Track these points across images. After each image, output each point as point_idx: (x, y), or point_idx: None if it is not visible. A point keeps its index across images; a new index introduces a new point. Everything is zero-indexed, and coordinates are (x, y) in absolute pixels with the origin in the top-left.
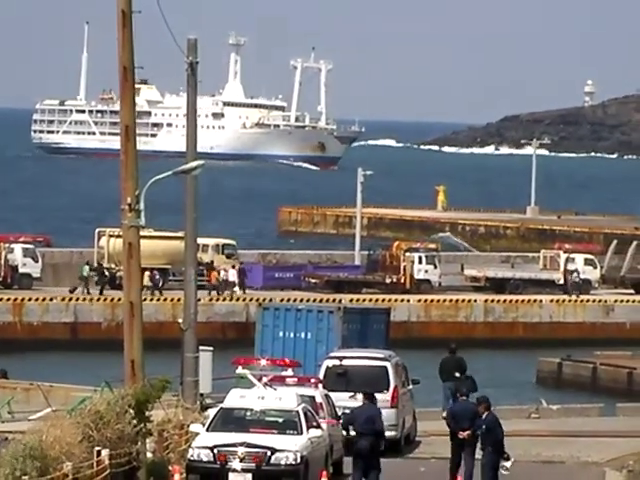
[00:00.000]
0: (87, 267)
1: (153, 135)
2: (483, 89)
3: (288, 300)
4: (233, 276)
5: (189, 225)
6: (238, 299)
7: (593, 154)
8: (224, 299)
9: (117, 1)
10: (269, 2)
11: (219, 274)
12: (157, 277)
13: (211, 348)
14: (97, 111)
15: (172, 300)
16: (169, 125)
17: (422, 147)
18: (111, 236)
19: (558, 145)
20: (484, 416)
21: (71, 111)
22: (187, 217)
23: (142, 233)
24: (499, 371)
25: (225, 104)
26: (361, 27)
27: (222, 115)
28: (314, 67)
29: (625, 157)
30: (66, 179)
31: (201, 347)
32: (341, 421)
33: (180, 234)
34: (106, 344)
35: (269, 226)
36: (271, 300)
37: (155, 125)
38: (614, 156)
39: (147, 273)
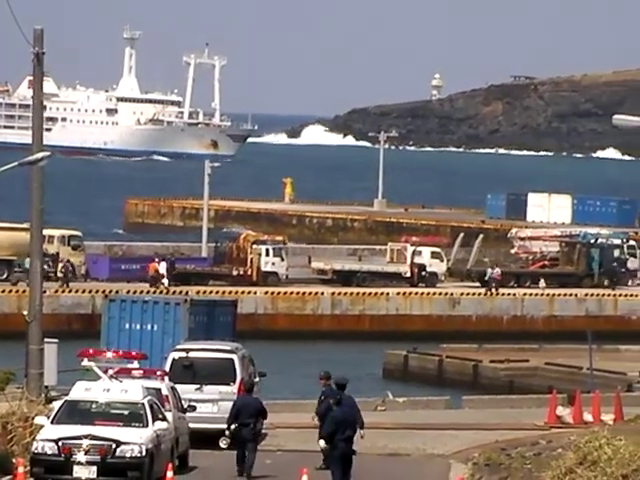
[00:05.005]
0: (28, 259)
1: (48, 129)
2: (330, 81)
3: (134, 292)
4: (163, 268)
5: (35, 216)
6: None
7: (441, 148)
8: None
9: None
10: None
11: (159, 266)
12: (70, 268)
13: (56, 340)
14: None
15: (17, 292)
16: (64, 120)
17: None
18: None
19: (406, 138)
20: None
21: None
22: (33, 208)
23: None
24: (346, 364)
25: (119, 99)
26: (255, 22)
27: (116, 111)
28: (208, 63)
29: (472, 150)
30: None
31: (46, 339)
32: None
33: (25, 225)
34: None
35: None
36: (117, 292)
37: (50, 119)
38: (461, 149)
39: (60, 265)
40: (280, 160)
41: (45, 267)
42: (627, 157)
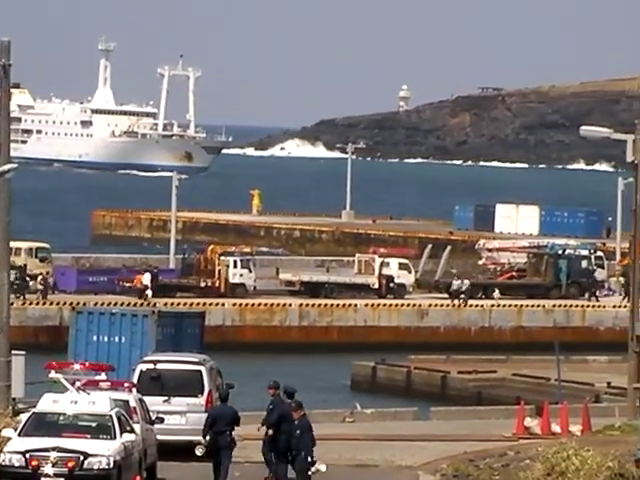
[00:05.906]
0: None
1: (23, 142)
2: (300, 93)
3: (102, 304)
4: (147, 280)
5: (1, 229)
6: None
7: (407, 160)
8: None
9: None
10: (139, 8)
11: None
12: (48, 280)
13: (23, 352)
14: None
15: None
16: (39, 132)
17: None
18: None
19: (373, 149)
20: (297, 421)
21: None
22: None
23: None
24: (314, 375)
25: (94, 112)
26: (229, 34)
27: (90, 123)
28: (182, 75)
29: (442, 162)
30: None
31: (13, 351)
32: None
33: None
34: None
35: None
36: (85, 304)
37: (26, 131)
38: (429, 161)
39: (39, 278)
40: (250, 171)
41: (27, 279)
42: (597, 167)
